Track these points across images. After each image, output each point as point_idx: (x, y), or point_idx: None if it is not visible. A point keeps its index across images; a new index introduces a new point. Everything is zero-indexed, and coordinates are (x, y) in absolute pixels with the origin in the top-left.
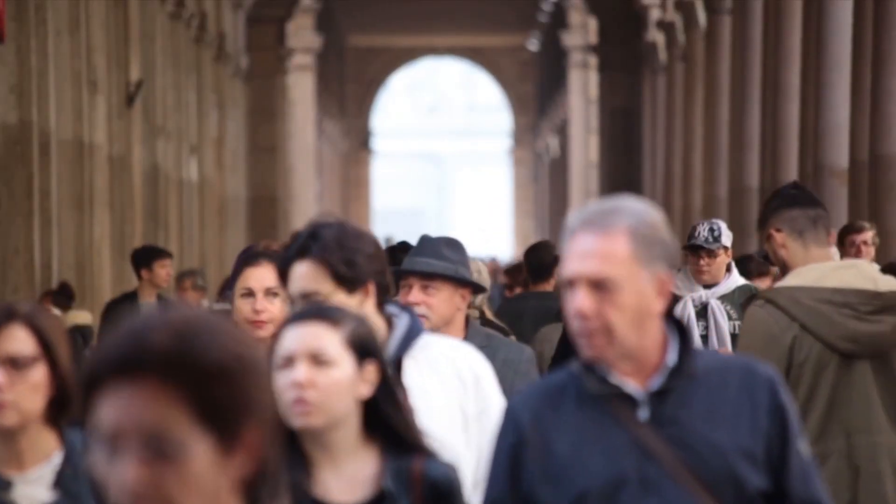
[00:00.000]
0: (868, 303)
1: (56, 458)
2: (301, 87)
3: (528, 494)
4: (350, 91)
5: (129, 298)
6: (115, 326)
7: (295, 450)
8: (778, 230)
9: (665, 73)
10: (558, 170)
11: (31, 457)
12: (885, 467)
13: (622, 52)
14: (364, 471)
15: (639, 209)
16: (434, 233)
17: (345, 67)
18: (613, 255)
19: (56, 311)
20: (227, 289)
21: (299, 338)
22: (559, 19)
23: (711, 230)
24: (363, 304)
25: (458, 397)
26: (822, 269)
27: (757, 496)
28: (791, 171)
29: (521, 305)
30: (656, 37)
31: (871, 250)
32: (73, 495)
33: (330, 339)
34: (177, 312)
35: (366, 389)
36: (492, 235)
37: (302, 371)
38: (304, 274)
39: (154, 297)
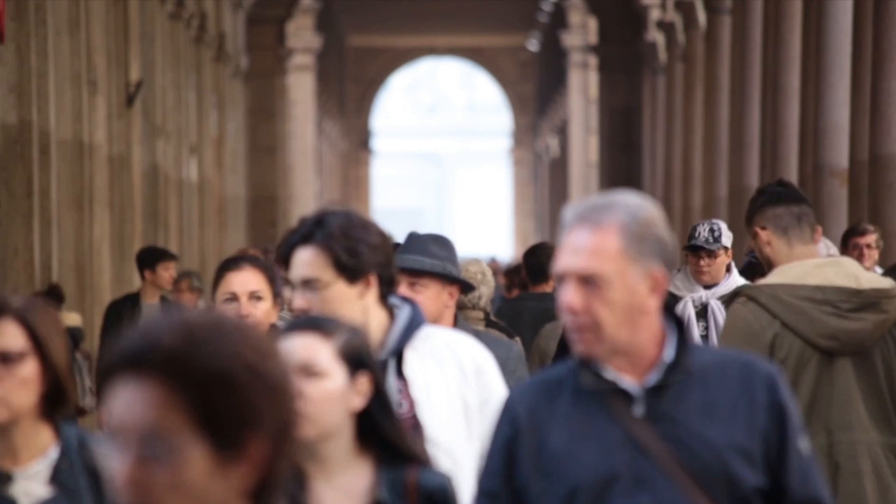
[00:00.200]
0: (849, 300)
1: (52, 454)
2: (301, 87)
3: (521, 488)
4: (350, 91)
5: (132, 299)
6: (118, 326)
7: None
8: (763, 228)
9: (665, 73)
10: (558, 170)
11: (27, 452)
12: (864, 465)
13: (622, 52)
14: (358, 482)
15: (633, 204)
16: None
17: (345, 67)
18: (603, 250)
19: None
20: None
21: (291, 350)
22: (559, 19)
23: (711, 230)
24: (364, 296)
25: (460, 388)
26: (805, 267)
27: (752, 494)
28: (791, 171)
29: (519, 307)
30: (656, 37)
31: (875, 253)
32: (69, 490)
33: (321, 351)
34: (198, 314)
35: (358, 401)
36: (491, 235)
37: None
38: (306, 260)
39: (157, 299)
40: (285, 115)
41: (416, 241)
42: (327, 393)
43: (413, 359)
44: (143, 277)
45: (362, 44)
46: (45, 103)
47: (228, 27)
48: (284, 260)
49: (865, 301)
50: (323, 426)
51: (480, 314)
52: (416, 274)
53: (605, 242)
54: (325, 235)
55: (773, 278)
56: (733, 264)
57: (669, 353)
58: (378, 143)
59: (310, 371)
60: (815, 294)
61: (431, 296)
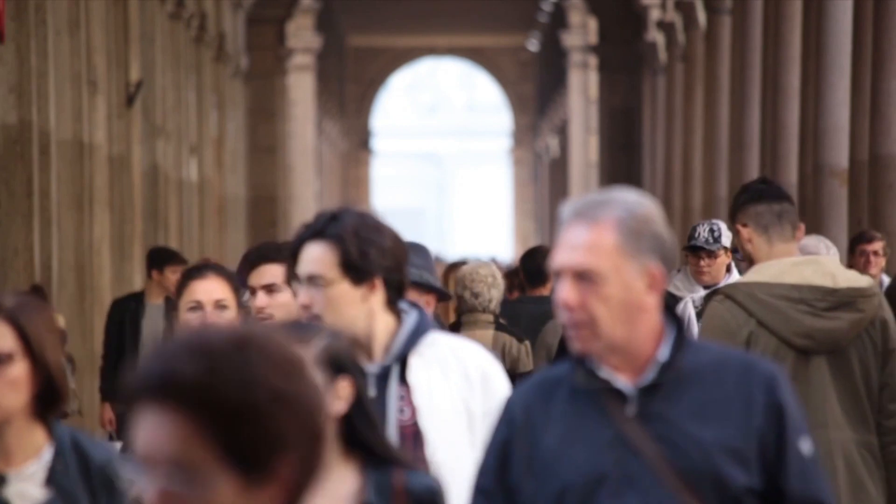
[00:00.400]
0: (824, 299)
1: (46, 455)
2: (301, 87)
3: (514, 487)
4: (350, 91)
5: (136, 298)
6: (122, 325)
7: None
8: (744, 225)
9: (665, 73)
10: (558, 170)
11: (20, 453)
12: (839, 463)
13: (622, 53)
14: (345, 487)
15: (630, 200)
16: (433, 233)
17: (345, 67)
18: (599, 246)
19: None
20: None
21: None
22: (559, 19)
23: (711, 231)
24: (368, 298)
25: (464, 396)
26: (782, 265)
27: (744, 494)
28: (791, 171)
29: (517, 310)
30: (656, 37)
31: (882, 261)
32: (65, 492)
33: None
34: (219, 335)
35: (339, 405)
36: (491, 235)
37: None
38: (314, 256)
39: (161, 300)
40: (285, 115)
41: None
42: None
43: (417, 365)
44: (149, 276)
45: (362, 44)
46: (45, 103)
47: (228, 27)
48: (294, 255)
49: (841, 300)
50: None
51: (490, 317)
52: None
53: (600, 238)
54: (335, 233)
55: (750, 276)
56: (733, 264)
57: (664, 353)
58: (378, 143)
59: None
60: (791, 293)
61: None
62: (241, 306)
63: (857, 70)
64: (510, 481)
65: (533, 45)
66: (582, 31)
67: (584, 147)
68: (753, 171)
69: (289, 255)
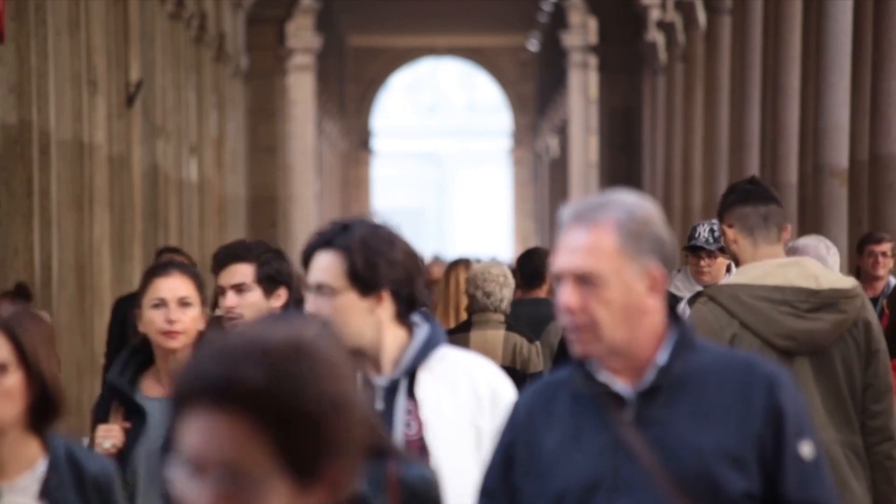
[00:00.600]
0: (806, 300)
1: (40, 467)
2: (301, 87)
3: (517, 488)
4: (350, 91)
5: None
6: (125, 323)
7: None
8: (730, 226)
9: (665, 73)
10: (558, 170)
11: (14, 465)
12: None
13: (622, 53)
14: None
15: (629, 202)
16: (433, 233)
17: (345, 67)
18: (599, 248)
19: None
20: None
21: None
22: (559, 19)
23: (712, 231)
24: (375, 311)
25: (472, 413)
26: (766, 267)
27: (741, 499)
28: (791, 171)
29: (514, 312)
30: (656, 37)
31: (890, 262)
32: None
33: None
34: (276, 337)
35: None
36: (491, 235)
37: None
38: (322, 265)
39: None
40: (285, 115)
41: None
42: None
43: (426, 380)
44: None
45: (362, 44)
46: (45, 103)
47: (228, 27)
48: (305, 263)
49: (823, 301)
50: None
51: (501, 317)
52: None
53: (600, 240)
54: (345, 243)
55: (734, 278)
56: (733, 264)
57: (663, 356)
58: (378, 143)
59: None
60: (774, 294)
61: None
62: (205, 303)
63: (857, 70)
64: (513, 483)
65: (533, 45)
66: (582, 31)
67: (584, 147)
68: (753, 171)
69: (259, 255)
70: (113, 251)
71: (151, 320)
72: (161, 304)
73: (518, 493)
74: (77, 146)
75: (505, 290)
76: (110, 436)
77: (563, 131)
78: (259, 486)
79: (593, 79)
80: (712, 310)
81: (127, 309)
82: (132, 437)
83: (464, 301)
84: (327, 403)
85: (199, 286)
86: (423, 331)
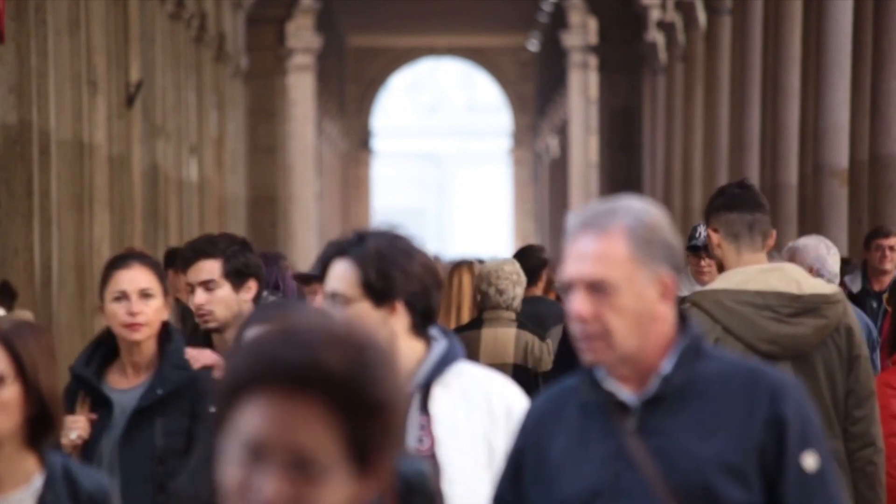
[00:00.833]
0: (789, 305)
1: (36, 482)
2: (301, 87)
3: (525, 496)
4: (350, 91)
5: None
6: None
7: None
8: (715, 230)
9: (665, 74)
10: (558, 170)
11: (9, 480)
12: None
13: (622, 53)
14: None
15: (639, 209)
16: (433, 233)
17: (345, 67)
18: (611, 256)
19: None
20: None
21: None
22: (559, 19)
23: None
24: (388, 322)
25: (486, 430)
26: (748, 273)
27: None
28: (791, 171)
29: None
30: (656, 37)
31: None
32: None
33: None
34: (346, 324)
35: None
36: (491, 235)
37: None
38: (337, 274)
39: (173, 300)
40: (285, 115)
41: None
42: None
43: (440, 395)
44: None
45: (362, 44)
46: (45, 103)
47: (228, 27)
48: (322, 270)
49: (806, 306)
50: None
51: (513, 315)
52: None
53: (612, 247)
54: (360, 253)
55: (717, 284)
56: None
57: (668, 365)
58: (378, 143)
59: None
60: (756, 299)
61: None
62: (168, 295)
63: (857, 70)
64: (522, 490)
65: (533, 45)
66: (582, 31)
67: (584, 147)
68: (753, 171)
69: (225, 249)
70: (113, 251)
71: (114, 313)
72: (122, 296)
73: (527, 501)
74: (77, 146)
75: (517, 289)
76: (76, 427)
77: (563, 131)
78: (325, 474)
79: (593, 79)
80: (695, 315)
81: None
82: (98, 428)
83: (466, 303)
84: (396, 393)
85: (161, 277)
86: (440, 345)
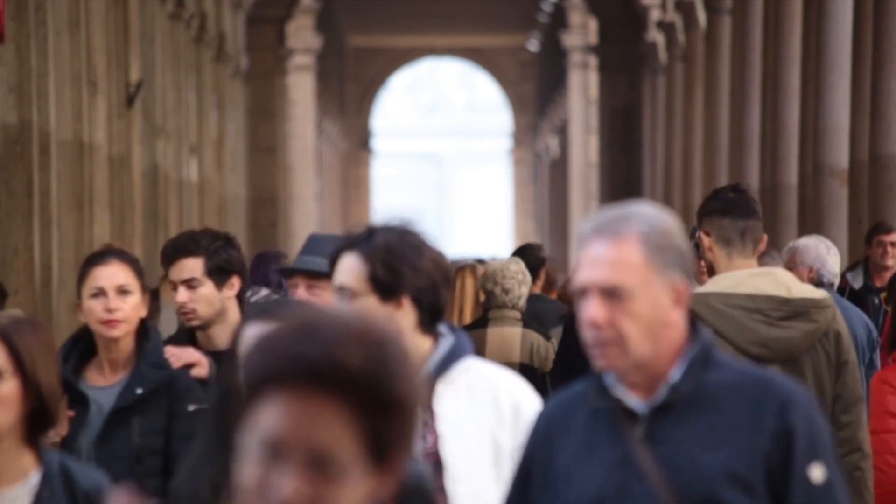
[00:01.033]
0: (778, 308)
1: (33, 479)
2: (301, 87)
3: (534, 502)
4: (350, 91)
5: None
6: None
7: None
8: (707, 234)
9: (665, 74)
10: (558, 170)
11: (6, 475)
12: None
13: (622, 53)
14: None
15: (652, 215)
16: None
17: (345, 67)
18: (626, 262)
19: None
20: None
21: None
22: (559, 19)
23: None
24: (394, 317)
25: (493, 428)
26: (738, 276)
27: None
28: (791, 171)
29: None
30: (656, 37)
31: None
32: None
33: None
34: (364, 320)
35: None
36: (491, 235)
37: None
38: (345, 267)
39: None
40: (285, 116)
41: (316, 243)
42: None
43: (446, 392)
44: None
45: (362, 44)
46: (45, 103)
47: (228, 27)
48: (333, 263)
49: (795, 310)
50: None
51: (518, 314)
52: (314, 276)
53: (627, 253)
54: (369, 247)
55: (707, 287)
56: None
57: (677, 373)
58: (378, 143)
59: None
60: (746, 302)
61: (330, 297)
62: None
63: (857, 70)
64: (531, 497)
65: (533, 45)
66: (582, 31)
67: (584, 147)
68: (753, 171)
69: (207, 247)
70: None
71: (91, 310)
72: (99, 293)
73: None
74: (77, 146)
75: (523, 288)
76: None
77: (563, 131)
78: (343, 472)
79: (593, 79)
80: None
81: None
82: (76, 425)
83: (468, 305)
84: (413, 391)
85: (139, 273)
86: (447, 341)
